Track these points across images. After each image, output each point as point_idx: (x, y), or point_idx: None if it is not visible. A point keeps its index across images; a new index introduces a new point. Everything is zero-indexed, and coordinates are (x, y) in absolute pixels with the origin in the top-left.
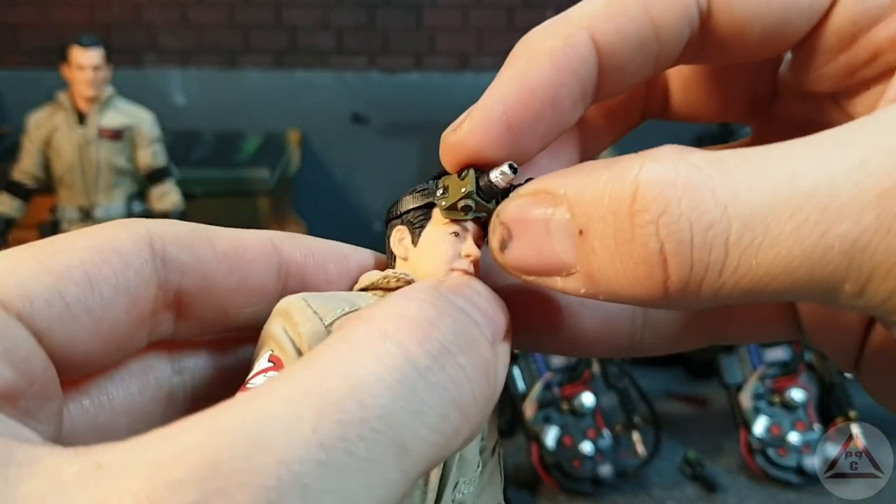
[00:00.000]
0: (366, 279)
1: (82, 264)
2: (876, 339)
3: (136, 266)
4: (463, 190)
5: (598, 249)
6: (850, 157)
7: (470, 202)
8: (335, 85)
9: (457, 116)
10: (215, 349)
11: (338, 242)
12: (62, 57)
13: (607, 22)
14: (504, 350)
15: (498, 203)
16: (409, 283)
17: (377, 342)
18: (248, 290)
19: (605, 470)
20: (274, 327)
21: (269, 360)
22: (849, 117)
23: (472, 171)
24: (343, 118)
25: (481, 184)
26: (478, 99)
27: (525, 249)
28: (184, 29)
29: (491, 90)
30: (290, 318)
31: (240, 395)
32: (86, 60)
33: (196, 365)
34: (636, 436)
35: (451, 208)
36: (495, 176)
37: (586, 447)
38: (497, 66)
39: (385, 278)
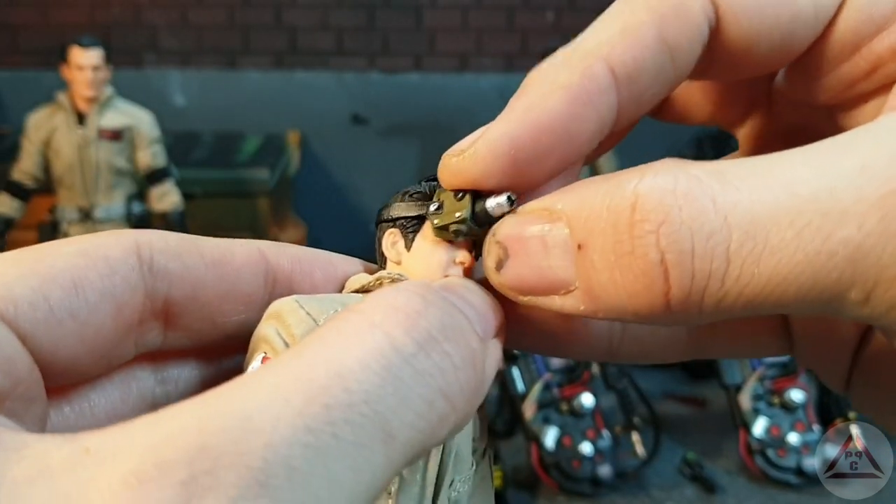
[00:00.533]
0: (356, 282)
1: (68, 269)
2: (869, 356)
3: (122, 273)
4: (458, 215)
5: (598, 263)
6: (851, 162)
7: (463, 227)
8: (335, 86)
9: (457, 117)
10: (200, 359)
11: (325, 251)
12: (62, 57)
13: (624, 52)
14: (495, 346)
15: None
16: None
17: (365, 330)
18: (236, 298)
19: (605, 470)
20: (266, 329)
21: (262, 363)
22: (842, 130)
23: (469, 196)
24: (343, 119)
25: (477, 210)
26: (477, 100)
27: (522, 268)
28: (183, 29)
29: (501, 120)
30: (282, 320)
31: (229, 383)
32: (85, 61)
33: (180, 375)
34: (635, 436)
35: (443, 228)
36: (492, 205)
37: (586, 448)
38: (497, 66)
39: (377, 279)
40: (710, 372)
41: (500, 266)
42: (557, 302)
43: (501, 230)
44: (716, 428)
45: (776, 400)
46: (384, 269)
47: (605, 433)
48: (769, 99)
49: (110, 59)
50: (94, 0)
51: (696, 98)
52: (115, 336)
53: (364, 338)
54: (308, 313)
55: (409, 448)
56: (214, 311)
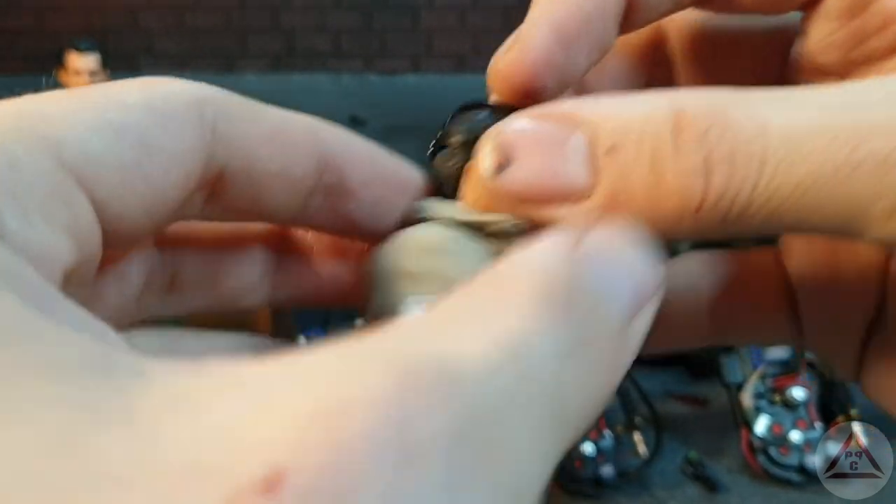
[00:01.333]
0: (463, 212)
1: (139, 126)
2: (882, 339)
3: (190, 135)
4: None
5: (631, 164)
6: (885, 89)
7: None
8: (333, 88)
9: None
10: (203, 242)
11: (377, 148)
12: (59, 62)
13: None
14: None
15: None
16: (522, 231)
17: (527, 305)
18: (285, 179)
19: (607, 470)
20: (426, 264)
21: (424, 308)
22: None
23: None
24: (341, 121)
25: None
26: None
27: (531, 170)
28: (181, 33)
29: (533, 14)
30: (443, 259)
31: (411, 320)
32: (82, 65)
33: (185, 255)
34: (637, 436)
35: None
36: None
37: (587, 448)
38: None
39: (498, 222)
40: (711, 371)
41: (500, 168)
42: (564, 213)
43: (511, 126)
44: (717, 427)
45: (777, 398)
46: (449, 197)
47: (607, 433)
48: (782, 74)
49: (107, 63)
50: (91, 5)
51: (707, 70)
52: (176, 205)
53: (530, 314)
54: (458, 251)
55: (564, 444)
56: (263, 189)
